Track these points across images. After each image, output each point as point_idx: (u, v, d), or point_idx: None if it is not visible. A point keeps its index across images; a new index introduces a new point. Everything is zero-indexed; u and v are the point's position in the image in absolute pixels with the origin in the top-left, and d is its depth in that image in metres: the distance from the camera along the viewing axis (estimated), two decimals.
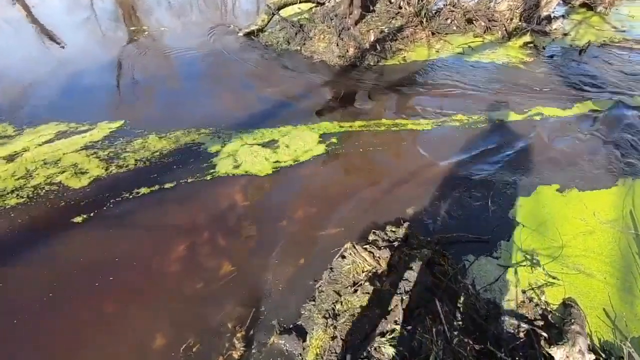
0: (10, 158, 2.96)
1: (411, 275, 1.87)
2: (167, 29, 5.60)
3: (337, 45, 4.77)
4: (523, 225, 2.57)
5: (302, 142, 3.26)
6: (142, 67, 4.41)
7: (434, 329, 1.62)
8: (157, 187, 2.77)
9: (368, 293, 1.79)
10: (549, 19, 5.92)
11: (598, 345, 1.91)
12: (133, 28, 5.63)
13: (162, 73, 4.33)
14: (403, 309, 1.73)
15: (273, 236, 2.45)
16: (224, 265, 2.28)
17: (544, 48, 5.26)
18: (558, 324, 1.95)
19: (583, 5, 6.83)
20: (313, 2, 6.00)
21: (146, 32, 5.44)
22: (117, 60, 4.59)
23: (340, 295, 1.88)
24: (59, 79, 4.11)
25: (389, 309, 1.75)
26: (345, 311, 1.80)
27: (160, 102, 3.78)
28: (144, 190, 2.74)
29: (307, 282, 2.14)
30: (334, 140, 3.32)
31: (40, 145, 3.09)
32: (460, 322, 1.79)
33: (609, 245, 2.43)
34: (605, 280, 2.23)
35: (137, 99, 3.83)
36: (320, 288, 2.00)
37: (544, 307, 2.07)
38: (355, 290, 1.83)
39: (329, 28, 4.97)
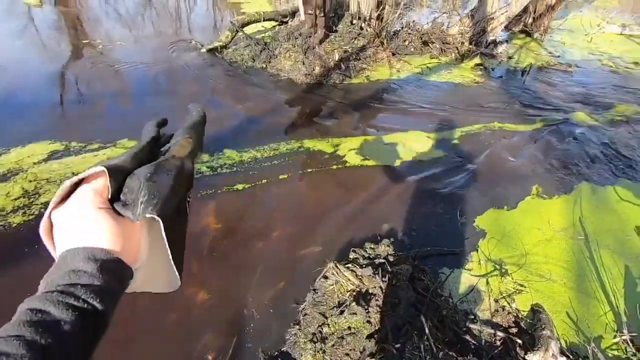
0: None
1: (395, 292, 1.90)
2: (121, 42, 5.36)
3: (304, 63, 4.84)
4: (490, 236, 2.73)
5: (269, 162, 3.24)
6: (90, 83, 4.15)
7: (422, 345, 1.65)
8: None
9: (355, 313, 1.78)
10: (495, 43, 6.48)
11: (566, 347, 2.04)
12: (79, 41, 5.31)
13: (114, 89, 4.11)
14: (390, 328, 1.74)
15: (250, 259, 2.38)
16: (200, 292, 2.17)
17: (492, 69, 5.73)
18: (530, 330, 2.07)
19: (522, 31, 7.56)
20: (276, 21, 6.08)
21: (96, 46, 5.16)
22: (60, 74, 4.28)
23: (326, 317, 1.85)
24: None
25: (377, 328, 1.76)
26: (332, 334, 1.78)
27: (113, 120, 3.58)
28: None
29: (290, 305, 2.09)
30: (303, 157, 3.33)
31: None
32: (444, 336, 1.84)
33: (564, 252, 2.65)
34: (565, 285, 2.41)
35: (84, 117, 3.59)
36: (304, 311, 1.96)
37: (515, 314, 2.19)
38: (342, 311, 1.82)
39: (294, 47, 5.05)
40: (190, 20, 7.04)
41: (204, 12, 7.60)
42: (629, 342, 2.02)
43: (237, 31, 5.40)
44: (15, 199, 2.59)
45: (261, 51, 5.13)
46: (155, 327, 1.96)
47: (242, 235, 2.59)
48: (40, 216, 2.13)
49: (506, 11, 6.30)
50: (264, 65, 5.00)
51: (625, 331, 2.07)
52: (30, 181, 2.75)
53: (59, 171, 2.88)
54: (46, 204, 2.58)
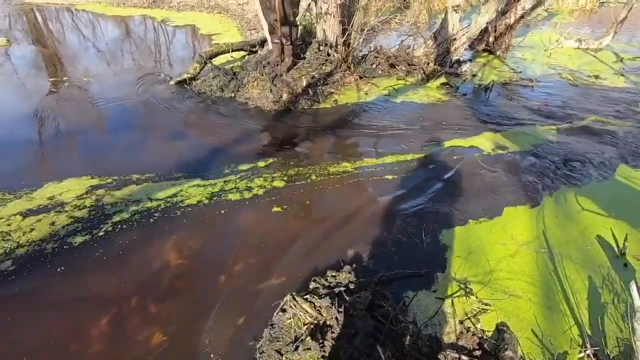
0: None
1: (352, 322, 1.85)
2: (91, 79, 5.35)
3: (271, 91, 4.91)
4: (455, 255, 2.72)
5: (236, 187, 3.20)
6: (62, 119, 4.10)
7: None
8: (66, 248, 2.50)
9: (309, 348, 1.72)
10: (459, 62, 6.72)
11: None
12: (55, 78, 5.28)
13: (85, 124, 4.06)
14: None
15: (210, 294, 2.30)
16: (155, 334, 2.07)
17: (457, 88, 5.91)
18: (494, 352, 2.03)
19: (485, 50, 7.89)
20: (245, 51, 6.19)
21: (70, 82, 5.13)
22: (36, 111, 4.23)
23: (281, 355, 1.78)
24: None
25: None
26: None
27: (82, 155, 3.52)
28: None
29: (248, 343, 2.01)
30: (272, 184, 3.31)
31: None
32: None
33: (528, 266, 2.65)
34: (530, 300, 2.40)
35: (54, 154, 3.52)
36: (260, 348, 1.89)
37: (480, 335, 2.16)
38: (297, 347, 1.75)
39: (262, 75, 5.12)
40: (169, 54, 7.09)
41: (182, 45, 7.67)
42: (591, 356, 2.00)
43: (206, 63, 5.47)
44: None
45: (230, 81, 5.19)
46: None
47: (204, 269, 2.52)
48: None
49: (467, 32, 6.58)
50: (233, 95, 5.04)
51: (588, 346, 2.06)
52: None
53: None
54: None
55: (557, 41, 8.41)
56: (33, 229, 2.69)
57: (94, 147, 3.71)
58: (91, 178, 3.20)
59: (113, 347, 1.99)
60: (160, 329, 2.11)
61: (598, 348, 2.05)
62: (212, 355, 1.96)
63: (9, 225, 2.71)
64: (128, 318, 2.15)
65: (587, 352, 2.04)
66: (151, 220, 2.84)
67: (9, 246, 2.55)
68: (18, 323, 2.09)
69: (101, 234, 2.70)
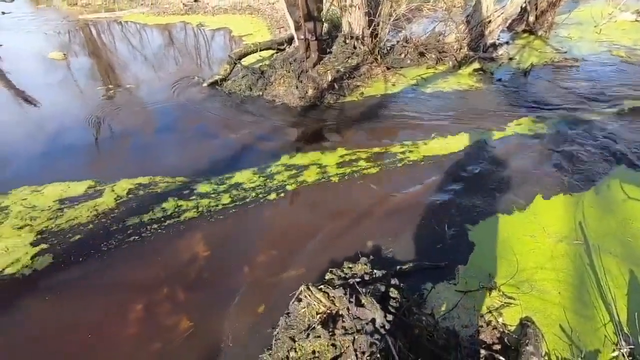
0: None
1: (363, 312, 1.87)
2: (134, 85, 5.76)
3: (297, 87, 4.98)
4: (480, 247, 2.63)
5: (263, 183, 3.32)
6: (112, 123, 4.48)
7: None
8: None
9: (319, 336, 1.78)
10: (494, 46, 6.36)
11: None
12: (108, 85, 5.76)
13: (130, 127, 4.40)
14: (355, 350, 1.72)
15: (235, 284, 2.44)
16: (182, 321, 2.24)
17: (492, 73, 5.61)
18: (515, 346, 1.96)
19: (525, 31, 7.38)
20: (273, 49, 6.32)
21: (120, 89, 5.58)
22: (93, 118, 4.66)
23: (294, 341, 1.86)
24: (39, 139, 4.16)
25: (342, 351, 1.74)
26: (299, 358, 1.78)
27: (129, 157, 3.83)
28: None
29: (266, 331, 2.11)
30: (298, 179, 3.39)
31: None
32: (416, 357, 1.78)
33: (560, 259, 2.50)
34: (560, 295, 2.27)
35: (103, 159, 3.87)
36: (277, 335, 1.98)
37: (501, 329, 2.09)
38: (308, 335, 1.82)
39: (289, 72, 5.21)
40: (204, 56, 7.42)
41: (216, 47, 7.99)
42: (625, 355, 1.86)
43: (235, 63, 5.66)
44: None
45: (258, 79, 5.34)
46: (138, 357, 2.04)
47: (229, 261, 2.66)
48: None
49: (502, 13, 6.20)
50: (260, 93, 5.19)
51: (623, 343, 1.92)
52: None
53: None
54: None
55: (610, 14, 7.65)
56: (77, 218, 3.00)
57: (132, 148, 4.01)
58: (128, 179, 3.48)
59: (145, 329, 2.18)
60: (187, 317, 2.27)
61: (634, 347, 1.90)
62: (232, 341, 2.09)
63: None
64: (159, 305, 2.34)
65: (623, 350, 1.90)
66: (182, 216, 3.04)
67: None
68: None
69: (139, 228, 2.93)
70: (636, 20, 7.62)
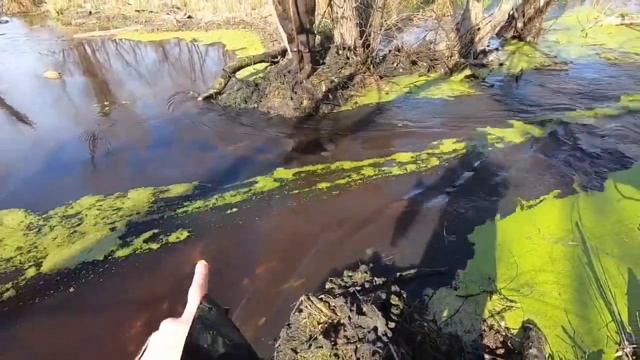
0: None
1: (365, 321, 1.86)
2: (129, 101, 5.78)
3: (292, 99, 5.03)
4: (478, 251, 2.64)
5: (259, 193, 3.33)
6: (108, 139, 4.48)
7: None
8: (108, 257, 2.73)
9: (321, 347, 1.76)
10: (485, 53, 6.48)
11: None
12: (103, 103, 5.77)
13: (126, 142, 4.40)
14: (358, 359, 1.70)
15: (235, 296, 2.42)
16: None
17: (483, 79, 5.70)
18: (518, 350, 1.95)
19: (514, 37, 7.53)
20: (267, 61, 6.39)
21: (114, 106, 5.58)
22: (85, 134, 4.66)
23: (296, 353, 1.84)
24: (35, 159, 4.14)
25: None
26: None
27: (123, 171, 3.82)
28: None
29: (267, 343, 2.09)
30: (294, 189, 3.40)
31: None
32: None
33: (558, 261, 2.50)
34: (560, 296, 2.27)
35: (102, 170, 3.86)
36: (278, 347, 1.96)
37: (504, 333, 2.08)
38: (310, 345, 1.80)
39: (283, 84, 5.27)
40: (198, 71, 7.47)
41: (209, 62, 8.05)
42: (629, 355, 1.85)
43: (230, 77, 5.72)
44: None
45: (252, 92, 5.39)
46: None
47: (228, 274, 2.64)
48: None
49: (490, 20, 6.33)
50: (255, 105, 5.23)
51: (626, 343, 1.91)
52: None
53: None
54: None
55: (595, 19, 7.83)
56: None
57: (129, 162, 4.01)
58: (120, 194, 3.47)
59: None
60: None
61: (637, 346, 1.90)
62: None
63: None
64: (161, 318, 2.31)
65: (626, 349, 1.90)
66: (179, 227, 3.03)
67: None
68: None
69: (135, 241, 2.91)
70: (621, 24, 7.80)
